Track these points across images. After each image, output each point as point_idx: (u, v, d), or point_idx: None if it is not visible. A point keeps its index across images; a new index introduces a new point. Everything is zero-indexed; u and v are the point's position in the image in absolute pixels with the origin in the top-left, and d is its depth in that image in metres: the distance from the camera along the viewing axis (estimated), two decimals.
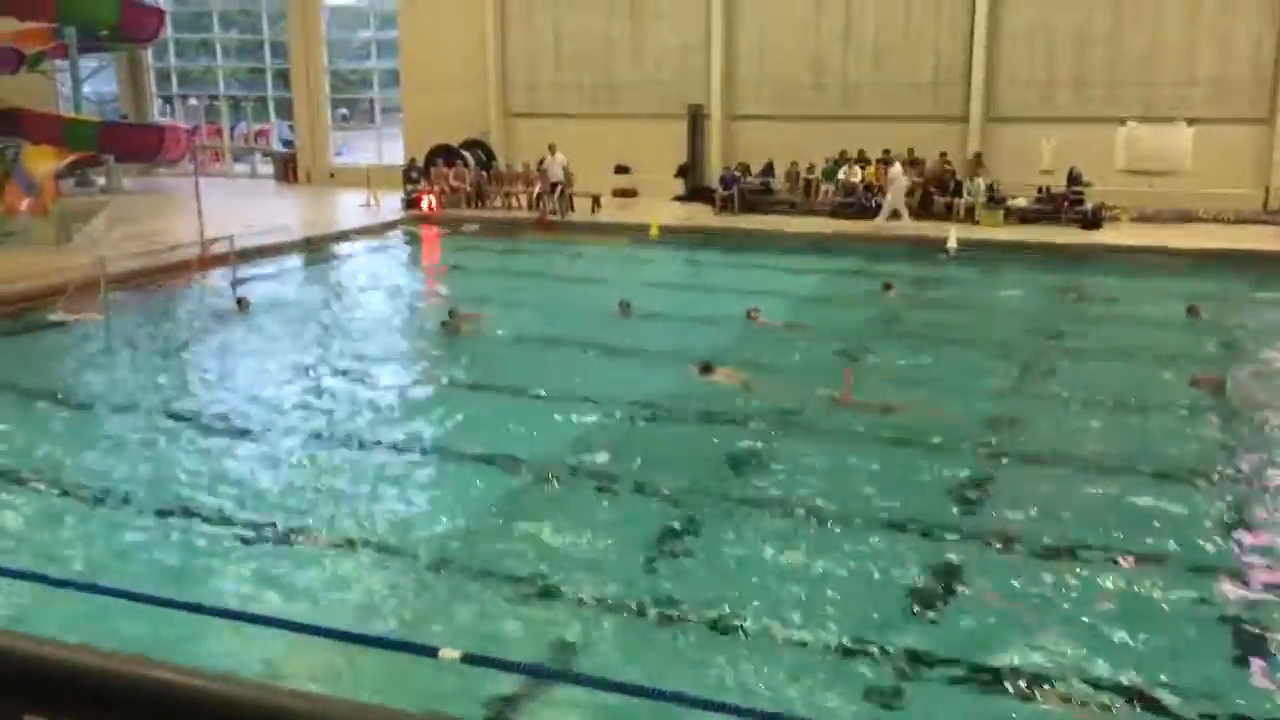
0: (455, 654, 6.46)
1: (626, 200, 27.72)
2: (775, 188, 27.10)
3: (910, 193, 25.32)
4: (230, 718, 0.91)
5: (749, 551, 8.25)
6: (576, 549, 8.30)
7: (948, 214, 24.73)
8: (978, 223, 24.24)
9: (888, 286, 17.94)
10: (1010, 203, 24.77)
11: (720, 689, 6.39)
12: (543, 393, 12.35)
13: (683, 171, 28.28)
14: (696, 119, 28.02)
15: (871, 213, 24.98)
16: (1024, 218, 24.51)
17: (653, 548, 8.32)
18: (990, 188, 24.98)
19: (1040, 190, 25.02)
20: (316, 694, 0.93)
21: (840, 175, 26.26)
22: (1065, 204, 24.45)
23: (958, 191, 25.20)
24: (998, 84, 26.15)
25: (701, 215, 26.03)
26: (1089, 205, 24.23)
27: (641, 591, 7.61)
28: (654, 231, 24.03)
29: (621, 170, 28.64)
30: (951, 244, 22.08)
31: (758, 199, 26.56)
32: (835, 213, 25.41)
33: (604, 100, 29.17)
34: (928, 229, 23.54)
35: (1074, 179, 24.69)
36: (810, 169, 26.79)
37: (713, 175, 27.75)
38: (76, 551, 8.37)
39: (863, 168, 26.31)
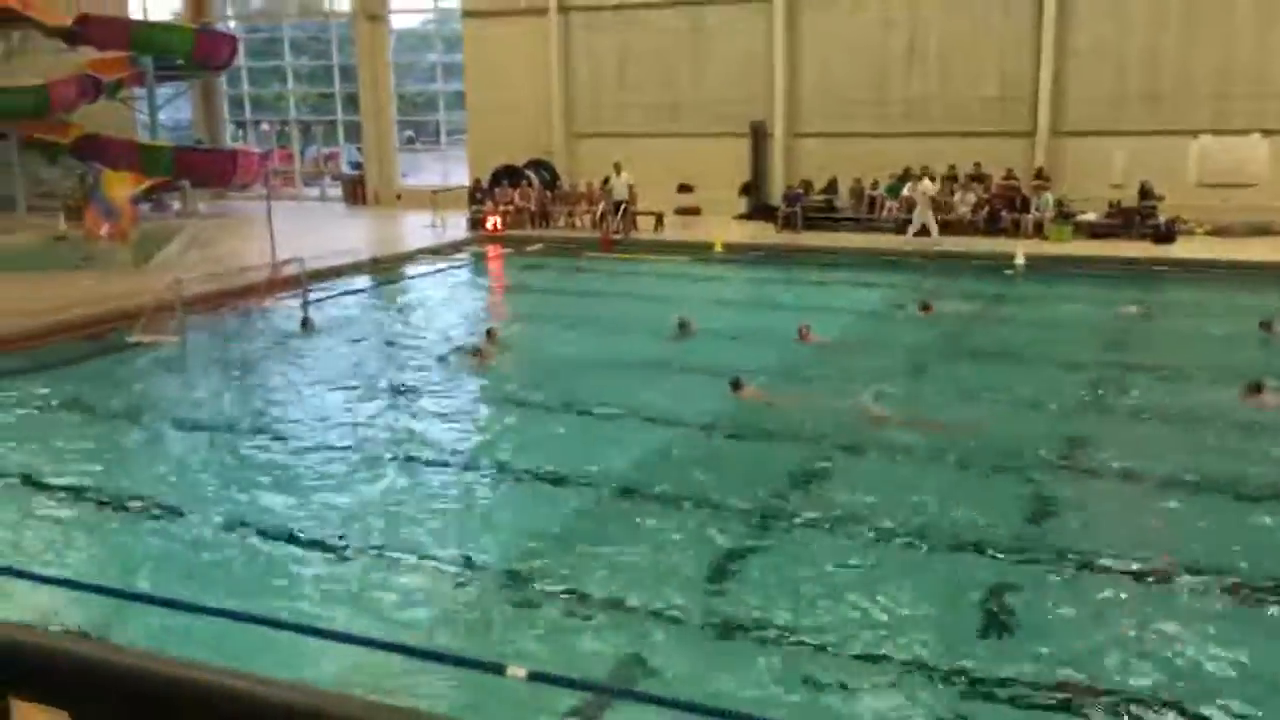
0: (521, 671, 6.54)
1: (689, 218, 27.78)
2: (839, 205, 26.99)
3: (977, 208, 25.08)
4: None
5: (812, 570, 8.20)
6: (639, 566, 8.32)
7: (1015, 230, 24.44)
8: (1046, 238, 23.91)
9: (925, 307, 17.66)
10: (1079, 217, 24.41)
11: (781, 708, 6.37)
12: (603, 411, 12.41)
13: (746, 189, 28.29)
14: (759, 136, 28.02)
15: (939, 229, 24.78)
16: (1094, 232, 24.13)
17: (716, 565, 8.31)
18: (1059, 203, 24.64)
19: (1111, 204, 24.62)
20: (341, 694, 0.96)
21: (904, 191, 26.08)
22: (1137, 218, 24.03)
23: (1025, 207, 24.89)
24: (1065, 98, 25.81)
25: (765, 233, 26.00)
26: (1161, 219, 23.78)
27: (705, 609, 7.61)
28: (717, 249, 24.05)
29: (684, 188, 28.71)
30: (1019, 260, 21.81)
31: (821, 216, 26.46)
32: (900, 229, 25.24)
33: (667, 119, 29.30)
34: (997, 245, 23.28)
35: (1145, 193, 24.26)
36: (874, 185, 26.64)
37: (776, 193, 27.72)
38: (149, 566, 8.58)
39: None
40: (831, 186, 27.25)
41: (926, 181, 24.97)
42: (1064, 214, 24.44)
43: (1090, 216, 24.43)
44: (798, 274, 21.98)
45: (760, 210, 27.65)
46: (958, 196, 25.63)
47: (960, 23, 26.44)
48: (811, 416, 12.04)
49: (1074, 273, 21.22)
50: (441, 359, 14.99)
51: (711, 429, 11.72)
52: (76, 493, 10.12)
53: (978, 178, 25.92)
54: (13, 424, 12.39)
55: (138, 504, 9.79)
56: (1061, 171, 25.58)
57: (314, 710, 0.87)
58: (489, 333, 15.60)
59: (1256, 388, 12.14)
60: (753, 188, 28.20)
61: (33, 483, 10.39)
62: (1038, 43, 25.68)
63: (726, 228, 26.10)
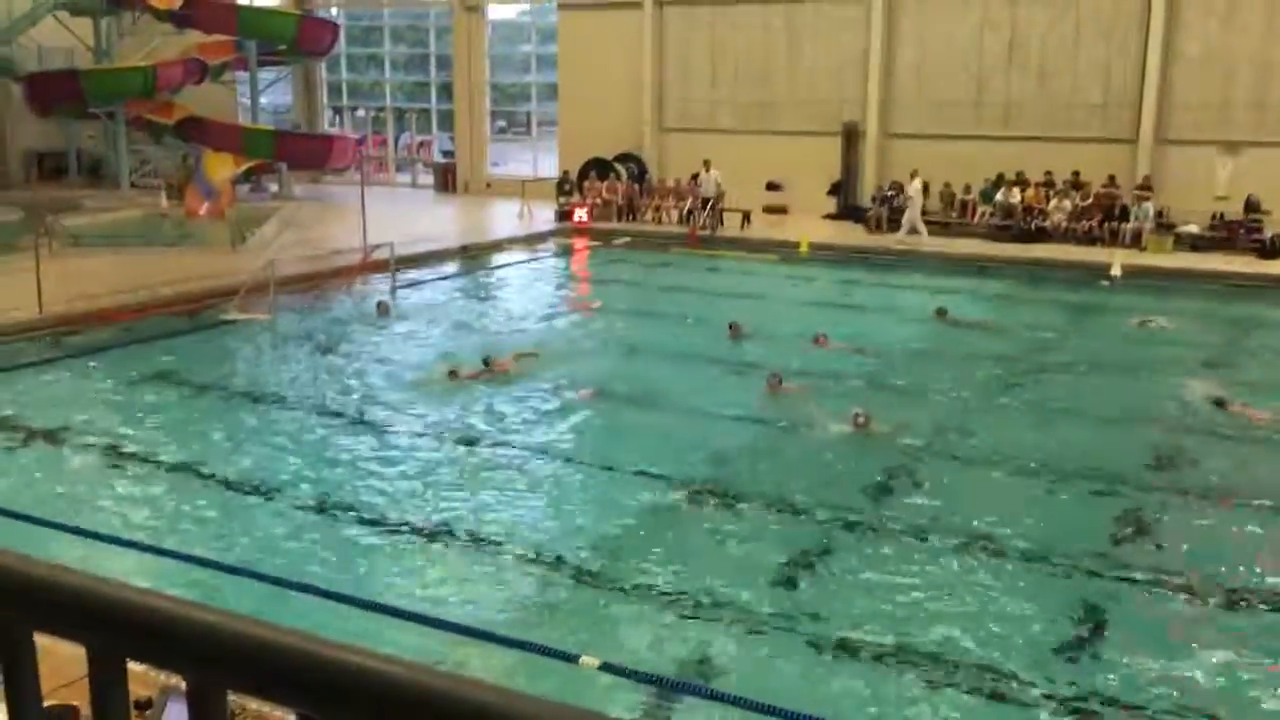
0: (594, 662, 6.57)
1: (777, 217, 27.59)
2: (929, 208, 26.58)
3: (1074, 216, 24.51)
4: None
5: (883, 576, 8.10)
6: (711, 564, 8.29)
7: (1113, 240, 23.82)
8: (1144, 249, 23.27)
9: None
10: (1180, 229, 23.69)
11: (844, 712, 6.29)
12: (679, 407, 12.43)
13: (835, 189, 28.00)
14: (851, 136, 27.72)
15: (1032, 236, 24.28)
16: (1195, 245, 23.40)
17: (784, 567, 8.24)
18: (1159, 213, 23.95)
19: (1214, 217, 23.86)
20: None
21: (998, 197, 25.59)
22: (1241, 231, 23.26)
23: (1124, 216, 24.25)
24: (1170, 106, 25.05)
25: (852, 234, 25.71)
26: (1268, 233, 22.99)
27: (775, 609, 7.55)
28: (804, 249, 23.86)
29: (773, 187, 28.51)
30: (1115, 270, 21.27)
31: None
32: (991, 235, 24.76)
33: (757, 117, 29.12)
34: (1094, 254, 22.74)
35: (1252, 206, 23.47)
36: (966, 190, 26.17)
37: (866, 194, 27.40)
38: (237, 539, 8.78)
39: (1022, 190, 25.57)
40: (923, 189, 26.83)
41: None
42: (1164, 225, 23.75)
43: (1192, 228, 23.70)
44: (882, 277, 21.70)
45: (849, 211, 27.35)
46: (1053, 203, 25.06)
47: (1064, 25, 25.83)
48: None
49: (1173, 286, 20.62)
50: (515, 346, 15.04)
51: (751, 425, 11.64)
52: (161, 464, 10.40)
53: (1076, 185, 25.31)
54: (108, 395, 12.79)
55: (222, 477, 10.03)
56: (1163, 181, 24.84)
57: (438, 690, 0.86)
58: (486, 359, 13.89)
59: None
60: (842, 188, 27.91)
61: (121, 453, 10.71)
62: (1144, 47, 24.98)
63: (814, 228, 25.88)
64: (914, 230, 24.25)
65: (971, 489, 10.07)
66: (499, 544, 8.59)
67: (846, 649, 7.03)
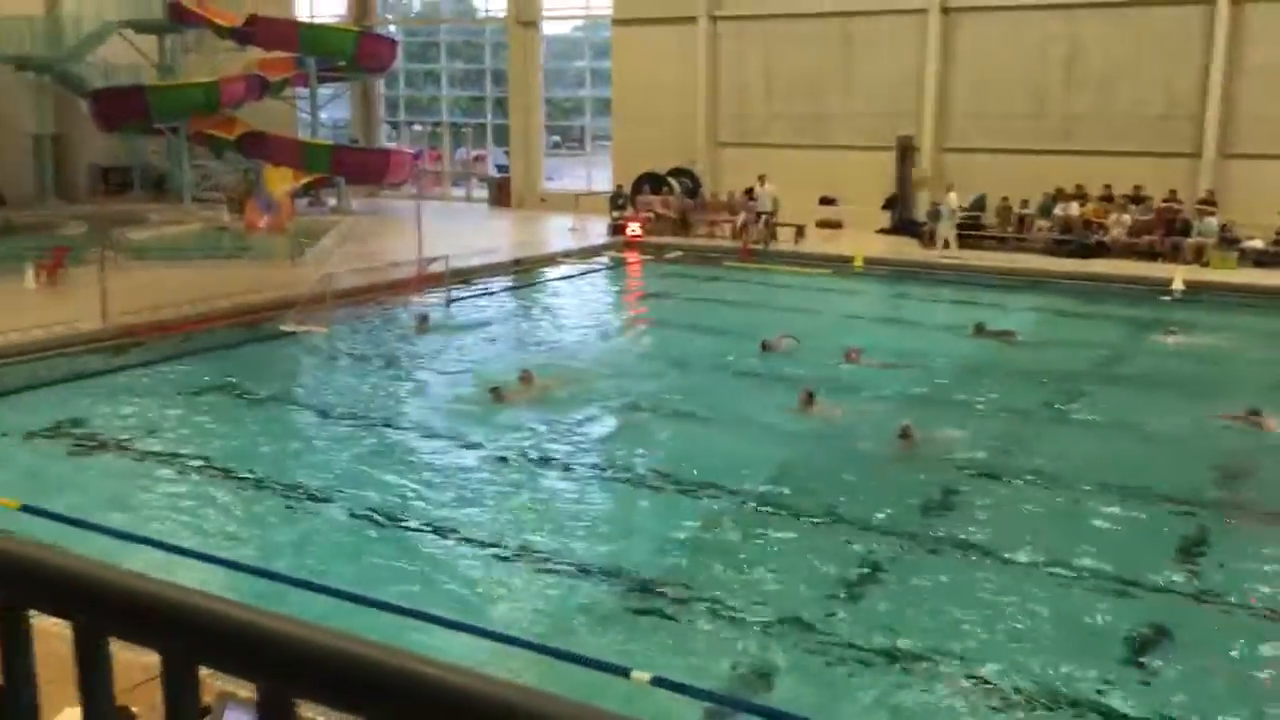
0: (646, 676, 6.55)
1: (831, 231, 27.46)
2: (985, 222, 26.32)
3: (1135, 231, 24.13)
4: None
5: (937, 590, 8.00)
6: (765, 578, 8.24)
7: (1174, 255, 23.41)
8: (1207, 264, 22.83)
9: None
10: (1245, 244, 23.22)
11: None
12: (727, 421, 12.40)
13: (890, 204, 27.82)
14: (906, 150, 27.53)
15: (1091, 251, 23.93)
16: (1259, 260, 22.92)
17: (839, 581, 8.18)
18: (1223, 228, 23.50)
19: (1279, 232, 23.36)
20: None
21: (1056, 211, 25.26)
22: None
23: (1186, 231, 23.82)
24: (1235, 118, 24.59)
25: (907, 249, 25.51)
26: None
27: (827, 625, 7.49)
28: (858, 264, 23.72)
29: (827, 201, 28.39)
30: (1177, 286, 20.89)
31: (966, 234, 25.83)
32: (1049, 250, 24.44)
33: (811, 131, 29.02)
34: (1154, 270, 22.37)
35: None
36: (1024, 204, 25.87)
37: (921, 208, 27.18)
38: (281, 546, 8.89)
39: (1081, 204, 25.23)
40: (979, 204, 26.58)
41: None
42: (1228, 240, 23.30)
43: (1257, 243, 23.22)
44: (936, 292, 21.49)
45: (904, 226, 27.14)
46: (1113, 218, 24.69)
47: (1125, 38, 25.46)
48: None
49: (1237, 302, 20.21)
50: (564, 358, 15.04)
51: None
52: (218, 471, 10.56)
53: (1136, 199, 24.92)
54: (168, 404, 13.01)
55: (276, 486, 10.16)
56: (1227, 195, 24.37)
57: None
58: (523, 375, 13.73)
59: None
60: (897, 202, 27.72)
61: (180, 460, 10.89)
62: (1207, 60, 24.56)
63: (868, 242, 25.72)
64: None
65: (1012, 506, 9.93)
66: (547, 556, 8.62)
67: (896, 666, 6.95)
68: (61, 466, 10.77)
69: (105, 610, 1.11)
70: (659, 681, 6.53)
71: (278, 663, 0.98)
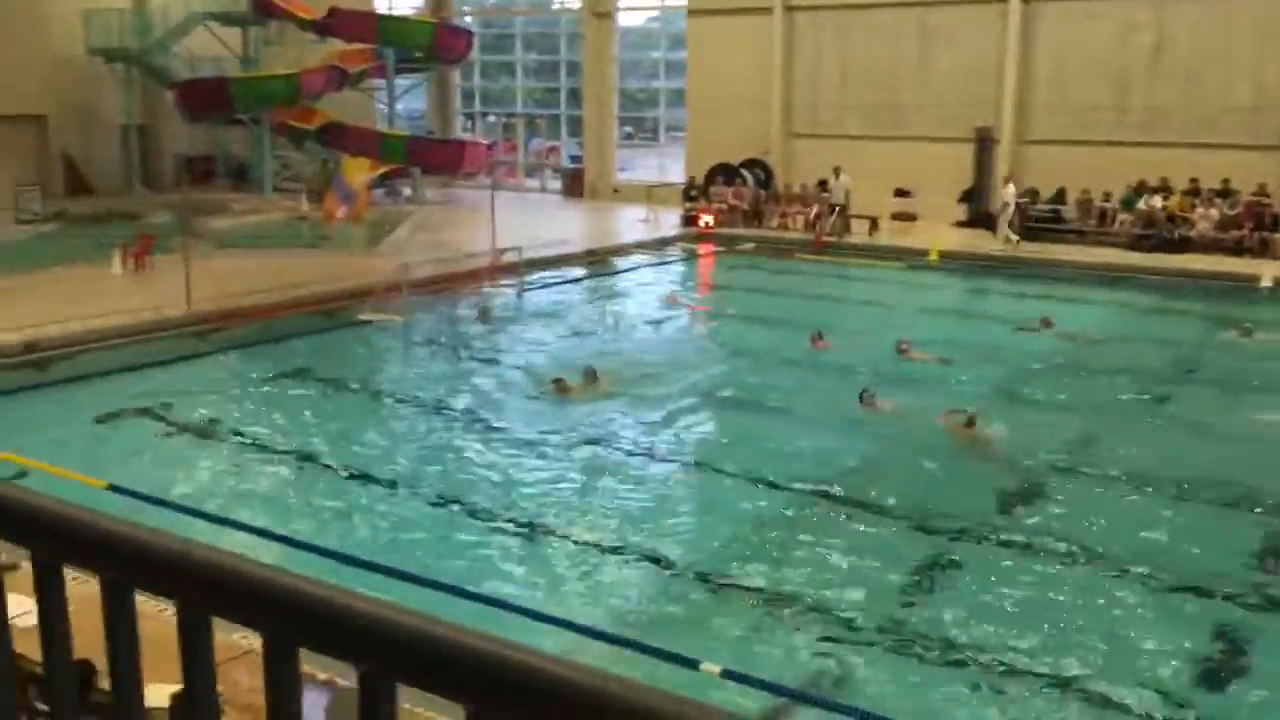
0: (715, 669, 6.56)
1: (905, 224, 27.14)
2: (1065, 215, 25.80)
3: (1221, 226, 23.49)
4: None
5: (1008, 588, 7.89)
6: (825, 571, 8.21)
7: (1264, 250, 22.74)
8: None
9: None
10: None
11: None
12: (794, 413, 12.36)
13: (967, 196, 27.40)
14: (984, 142, 27.09)
15: (1175, 245, 23.33)
16: None
17: (907, 577, 8.11)
18: None
19: None
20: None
21: (1140, 204, 24.67)
22: None
23: (1275, 226, 23.12)
24: None
25: (984, 242, 25.10)
26: None
27: (897, 620, 7.43)
28: (933, 257, 23.42)
29: (901, 193, 28.05)
30: (1266, 282, 20.31)
31: (1045, 227, 25.36)
32: (1132, 244, 23.89)
33: (887, 122, 28.69)
34: (1241, 265, 21.76)
35: None
36: (1106, 197, 25.31)
37: (998, 201, 26.71)
38: (354, 530, 9.05)
39: (1165, 197, 24.61)
40: (1059, 197, 26.06)
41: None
42: None
43: None
44: (1012, 286, 21.12)
45: (980, 218, 26.71)
46: (1198, 212, 24.05)
47: (1213, 25, 24.75)
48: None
49: None
50: (631, 350, 15.05)
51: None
52: (295, 455, 10.78)
53: (1223, 193, 24.24)
54: (249, 389, 13.31)
55: (350, 471, 10.34)
56: None
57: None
58: (587, 371, 13.64)
59: None
60: (974, 195, 27.29)
61: (259, 444, 11.14)
62: None
63: (943, 235, 25.37)
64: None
65: (1085, 504, 9.74)
66: (615, 547, 8.66)
67: (961, 664, 6.87)
68: (147, 448, 11.09)
69: (207, 591, 1.15)
70: (729, 674, 6.54)
71: (377, 646, 1.01)
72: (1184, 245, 23.40)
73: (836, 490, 9.92)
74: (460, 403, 12.87)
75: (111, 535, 1.21)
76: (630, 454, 11.01)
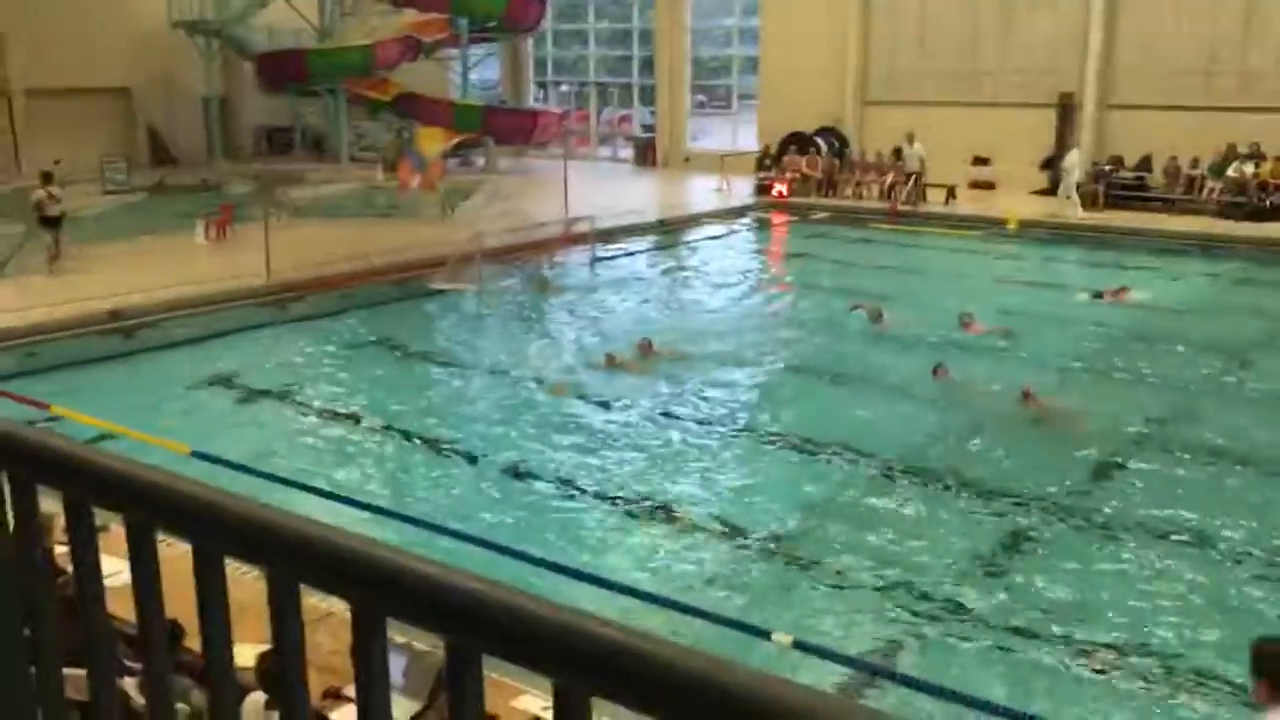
0: (787, 639, 6.56)
1: (983, 192, 26.62)
2: (1151, 183, 25.09)
3: None
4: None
5: (1086, 567, 7.76)
6: (910, 547, 8.14)
7: None
8: None
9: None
10: None
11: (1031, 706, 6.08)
12: (867, 385, 12.25)
13: (1048, 163, 26.76)
14: (1067, 109, 26.42)
15: (1266, 214, 22.57)
16: None
17: (984, 554, 8.01)
18: None
19: None
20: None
21: (1230, 171, 23.90)
22: None
23: None
24: None
25: (1066, 209, 24.51)
26: None
27: (967, 594, 7.35)
28: (1012, 225, 22.95)
29: (980, 161, 27.51)
30: None
31: (1131, 195, 24.69)
32: (1222, 213, 23.16)
33: (965, 88, 28.09)
34: None
35: None
36: (1194, 164, 24.54)
37: (1081, 168, 26.05)
38: (435, 496, 9.18)
39: (1257, 164, 23.80)
40: (1145, 164, 25.34)
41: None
42: None
43: None
44: (1095, 256, 20.62)
45: None
46: None
47: None
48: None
49: None
50: (705, 320, 15.03)
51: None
52: (373, 421, 10.95)
53: None
54: (328, 357, 13.54)
55: (427, 440, 10.49)
56: None
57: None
58: (644, 343, 13.42)
59: None
60: (1055, 162, 26.66)
61: (337, 411, 11.34)
62: None
63: (1023, 204, 24.83)
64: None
65: (1170, 481, 9.52)
66: (685, 517, 8.68)
67: (1036, 640, 6.79)
68: (229, 414, 11.35)
69: (295, 559, 1.17)
70: (800, 645, 6.53)
71: (465, 618, 1.02)
72: (1275, 213, 22.63)
73: (910, 462, 9.83)
74: (533, 370, 12.93)
75: (203, 504, 1.24)
76: (698, 420, 11.01)
